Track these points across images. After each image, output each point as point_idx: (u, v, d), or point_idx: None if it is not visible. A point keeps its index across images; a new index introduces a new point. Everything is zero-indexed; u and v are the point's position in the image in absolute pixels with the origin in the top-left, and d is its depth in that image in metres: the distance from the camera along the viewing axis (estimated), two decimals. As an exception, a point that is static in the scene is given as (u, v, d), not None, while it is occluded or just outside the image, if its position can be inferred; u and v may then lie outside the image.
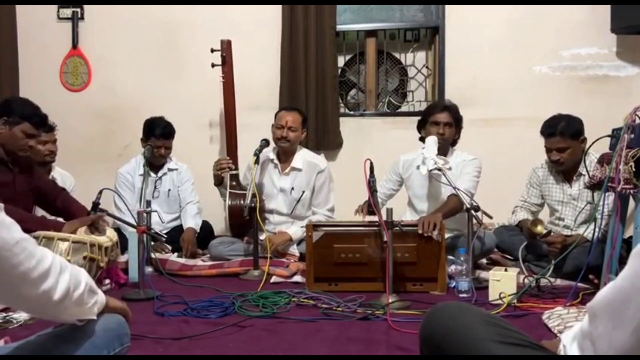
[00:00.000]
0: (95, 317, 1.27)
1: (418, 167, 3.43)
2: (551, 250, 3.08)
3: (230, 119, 3.98)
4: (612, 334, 0.96)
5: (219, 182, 3.66)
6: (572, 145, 3.14)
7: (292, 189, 3.68)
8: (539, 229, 3.12)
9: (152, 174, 3.83)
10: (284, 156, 3.72)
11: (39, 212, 3.29)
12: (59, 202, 3.16)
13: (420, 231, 2.86)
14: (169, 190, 3.93)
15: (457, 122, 3.40)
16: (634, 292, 0.94)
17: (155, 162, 3.84)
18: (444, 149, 3.35)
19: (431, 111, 3.42)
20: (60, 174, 3.79)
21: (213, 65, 3.90)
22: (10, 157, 2.95)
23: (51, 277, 1.11)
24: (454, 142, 3.50)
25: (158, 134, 3.76)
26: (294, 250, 3.55)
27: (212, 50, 3.88)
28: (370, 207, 2.86)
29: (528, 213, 3.43)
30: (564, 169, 3.27)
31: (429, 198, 3.45)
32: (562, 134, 3.13)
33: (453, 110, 3.40)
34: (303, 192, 3.68)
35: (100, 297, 1.29)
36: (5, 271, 1.04)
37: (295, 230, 3.56)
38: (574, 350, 1.09)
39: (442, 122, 3.34)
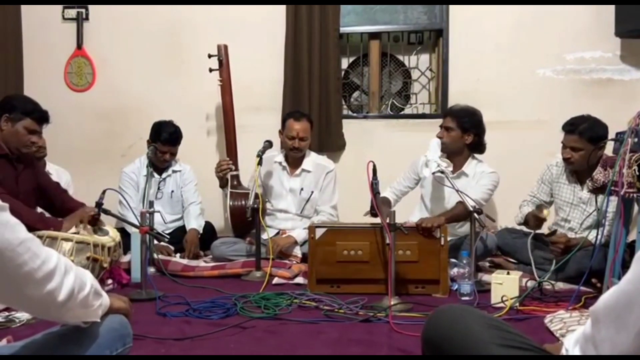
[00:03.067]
0: (99, 320, 1.27)
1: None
2: (553, 250, 3.08)
3: (229, 120, 4.00)
4: (615, 338, 0.96)
5: (224, 184, 3.67)
6: (586, 148, 3.08)
7: (302, 189, 3.73)
8: (545, 212, 3.12)
9: (156, 175, 3.82)
10: (293, 160, 3.75)
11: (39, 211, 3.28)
12: (58, 202, 3.15)
13: (419, 225, 2.87)
14: (172, 191, 3.92)
15: (463, 127, 3.32)
16: (637, 295, 0.93)
17: (159, 165, 3.83)
18: (450, 155, 3.29)
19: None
20: (56, 170, 3.78)
21: (211, 70, 3.93)
22: (14, 155, 2.96)
23: (56, 277, 1.11)
24: (478, 150, 3.42)
25: (164, 139, 3.74)
26: (297, 251, 3.56)
27: (210, 56, 3.90)
28: (373, 209, 2.86)
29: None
30: (574, 169, 3.24)
31: (439, 199, 3.44)
32: (581, 134, 3.09)
33: (455, 115, 3.35)
34: (312, 192, 3.72)
35: (105, 300, 1.29)
36: (9, 271, 1.04)
37: (299, 232, 3.57)
38: (576, 354, 1.08)
39: (442, 126, 3.37)
